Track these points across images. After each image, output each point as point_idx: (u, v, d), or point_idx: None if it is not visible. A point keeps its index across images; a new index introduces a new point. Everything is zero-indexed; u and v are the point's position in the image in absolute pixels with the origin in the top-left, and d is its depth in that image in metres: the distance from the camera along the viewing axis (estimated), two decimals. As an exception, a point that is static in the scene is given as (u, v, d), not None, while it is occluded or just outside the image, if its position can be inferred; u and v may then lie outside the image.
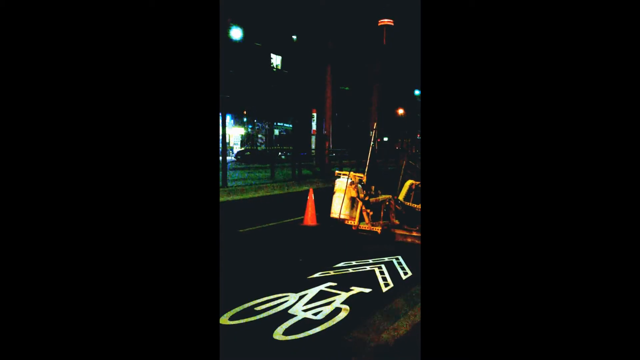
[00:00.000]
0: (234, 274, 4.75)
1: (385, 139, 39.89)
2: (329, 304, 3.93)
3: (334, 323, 3.53)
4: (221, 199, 10.65)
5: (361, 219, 6.88)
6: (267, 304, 3.87)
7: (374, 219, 7.03)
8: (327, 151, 19.32)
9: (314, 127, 24.47)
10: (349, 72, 35.94)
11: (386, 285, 4.54)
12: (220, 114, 12.84)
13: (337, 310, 3.78)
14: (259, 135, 36.77)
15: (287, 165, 19.90)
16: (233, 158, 28.89)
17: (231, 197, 11.31)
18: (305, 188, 12.43)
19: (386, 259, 5.55)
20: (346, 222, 6.94)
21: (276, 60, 35.91)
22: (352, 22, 30.90)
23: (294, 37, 35.73)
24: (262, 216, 8.55)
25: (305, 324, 3.50)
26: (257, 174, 17.77)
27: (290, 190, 13.39)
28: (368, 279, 4.73)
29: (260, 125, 36.29)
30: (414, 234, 6.48)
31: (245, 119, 34.26)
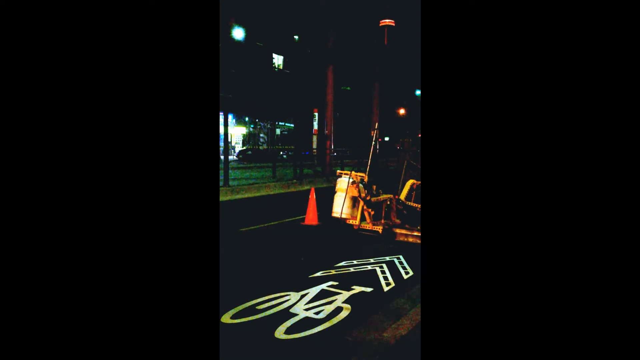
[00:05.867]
0: (236, 273, 4.75)
1: (387, 138, 39.87)
2: (330, 303, 3.93)
3: (336, 322, 3.53)
4: (222, 198, 10.65)
5: (362, 219, 6.88)
6: (269, 303, 3.88)
7: (375, 219, 7.03)
8: (328, 151, 19.30)
9: (315, 126, 24.45)
10: (350, 72, 35.92)
11: (387, 284, 4.54)
12: (222, 113, 12.84)
13: (339, 310, 3.78)
14: (261, 135, 36.80)
15: (289, 165, 19.90)
16: (235, 157, 28.89)
17: (232, 196, 11.31)
18: (307, 187, 12.44)
19: (387, 258, 5.55)
20: (347, 221, 6.94)
21: (278, 60, 35.91)
22: (353, 23, 30.87)
23: (296, 37, 35.74)
24: (263, 215, 8.56)
25: (307, 323, 3.50)
26: (259, 173, 17.77)
27: (292, 190, 13.39)
28: (369, 278, 4.73)
29: (262, 124, 36.31)
30: (415, 233, 6.47)
31: (247, 118, 34.29)
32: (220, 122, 12.34)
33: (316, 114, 23.91)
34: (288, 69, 36.16)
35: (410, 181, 7.29)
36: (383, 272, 4.96)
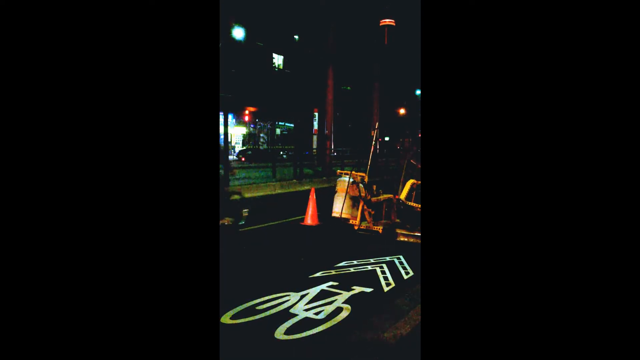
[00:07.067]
0: (235, 273, 4.75)
1: (387, 138, 39.88)
2: (330, 303, 3.93)
3: (336, 322, 3.53)
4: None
5: (362, 219, 6.88)
6: (269, 303, 3.87)
7: (376, 219, 7.03)
8: (328, 150, 19.30)
9: (315, 126, 24.48)
10: (350, 72, 35.91)
11: (388, 284, 4.54)
12: (222, 113, 12.82)
13: (339, 310, 3.78)
14: (261, 135, 36.80)
15: (289, 165, 19.91)
16: (235, 157, 28.89)
17: (232, 196, 11.30)
18: (307, 187, 12.44)
19: (388, 258, 5.54)
20: (348, 221, 6.93)
21: (278, 60, 35.92)
22: (353, 22, 30.87)
23: (296, 37, 35.74)
24: (263, 215, 8.55)
25: (307, 323, 3.50)
26: (259, 173, 17.77)
27: (292, 190, 13.39)
28: (369, 278, 4.72)
29: (262, 124, 36.32)
30: (416, 233, 6.47)
31: (247, 118, 34.30)
32: (220, 122, 12.34)
33: (316, 114, 23.92)
34: (288, 68, 36.15)
35: (411, 181, 7.29)
36: (383, 272, 4.96)
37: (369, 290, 4.34)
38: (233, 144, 32.98)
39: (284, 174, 17.14)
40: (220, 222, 7.55)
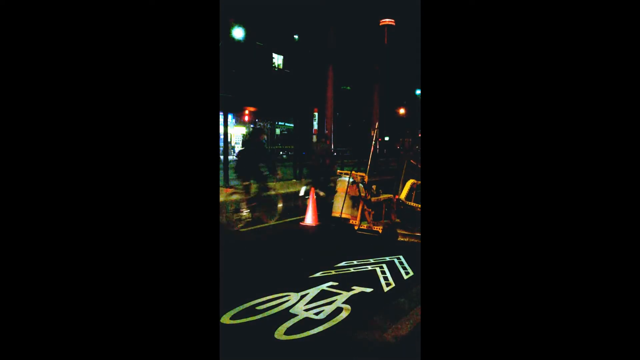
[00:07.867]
0: (235, 274, 4.74)
1: (387, 138, 39.87)
2: (330, 303, 3.93)
3: (336, 323, 3.53)
4: (222, 198, 10.63)
5: (362, 219, 6.87)
6: (269, 304, 3.87)
7: (376, 219, 7.03)
8: (328, 150, 19.28)
9: (315, 126, 24.46)
10: (350, 71, 35.90)
11: (388, 284, 4.54)
12: (222, 113, 12.81)
13: (339, 310, 3.78)
14: (261, 135, 36.79)
15: (289, 164, 19.89)
16: (235, 157, 28.92)
17: (232, 196, 11.28)
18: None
19: (387, 258, 5.54)
20: (348, 221, 6.93)
21: (278, 59, 35.91)
22: (353, 22, 30.86)
23: (296, 36, 35.73)
24: (263, 215, 8.54)
25: (307, 323, 3.50)
26: (259, 174, 17.73)
27: (292, 190, 13.38)
28: (369, 278, 4.72)
29: (261, 124, 36.32)
30: (416, 233, 6.47)
31: (246, 118, 34.30)
32: (220, 122, 12.32)
33: (316, 113, 23.89)
34: (288, 68, 36.14)
35: (411, 181, 7.28)
36: (383, 272, 4.96)
37: (369, 290, 4.34)
38: (233, 144, 32.98)
39: (283, 173, 17.14)
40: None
